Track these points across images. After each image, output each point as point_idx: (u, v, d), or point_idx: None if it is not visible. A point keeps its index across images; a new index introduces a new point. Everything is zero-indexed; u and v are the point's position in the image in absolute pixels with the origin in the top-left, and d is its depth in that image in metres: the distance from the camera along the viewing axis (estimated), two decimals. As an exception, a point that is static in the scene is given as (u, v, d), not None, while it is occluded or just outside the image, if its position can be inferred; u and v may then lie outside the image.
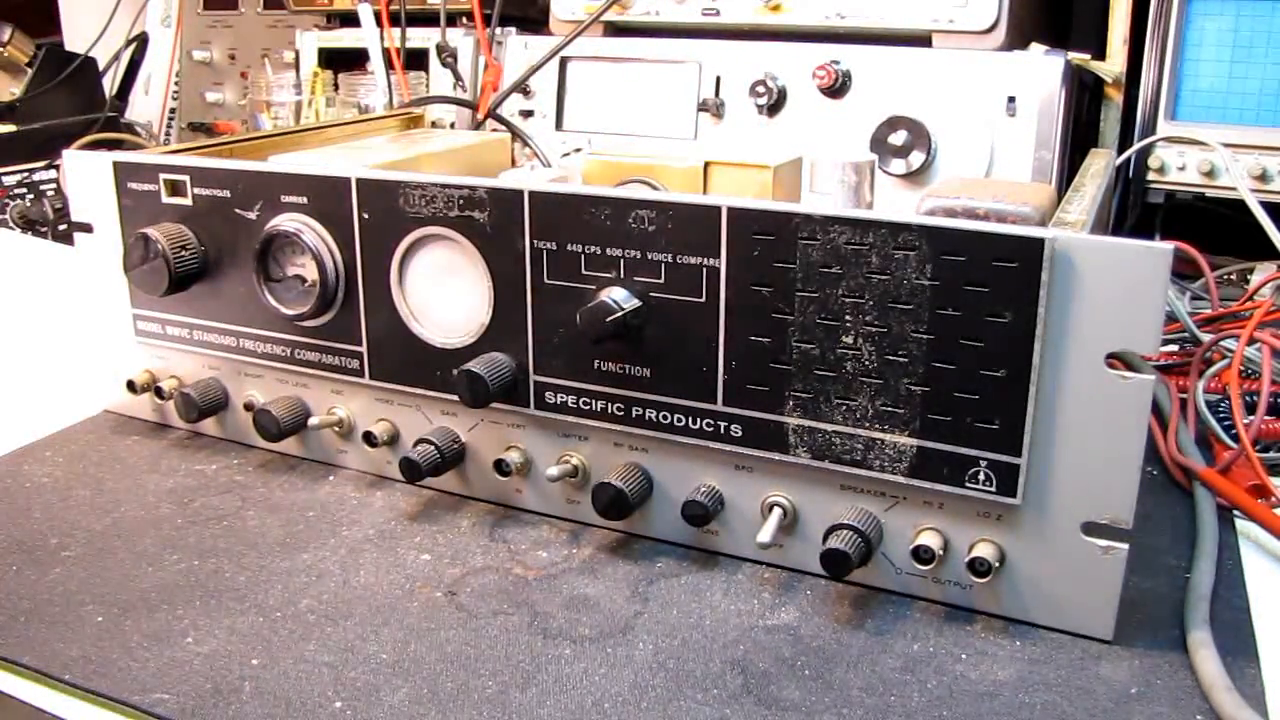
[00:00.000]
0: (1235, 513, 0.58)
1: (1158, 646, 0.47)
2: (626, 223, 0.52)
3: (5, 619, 0.49)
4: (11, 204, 1.10)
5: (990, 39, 0.85)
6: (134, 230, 0.65)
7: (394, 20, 1.09)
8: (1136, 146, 0.91)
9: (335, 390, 0.64)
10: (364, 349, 0.62)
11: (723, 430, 0.53)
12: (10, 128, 1.15)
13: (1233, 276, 0.94)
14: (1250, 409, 0.63)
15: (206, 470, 0.65)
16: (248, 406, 0.67)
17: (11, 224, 1.10)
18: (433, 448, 0.59)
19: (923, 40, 0.87)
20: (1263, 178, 0.87)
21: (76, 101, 1.32)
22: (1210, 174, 0.89)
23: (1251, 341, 0.66)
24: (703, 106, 0.93)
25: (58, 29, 1.49)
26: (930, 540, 0.49)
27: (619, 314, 0.52)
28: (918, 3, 0.87)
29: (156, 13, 1.45)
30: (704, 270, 0.51)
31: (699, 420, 0.53)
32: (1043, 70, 0.82)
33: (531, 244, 0.55)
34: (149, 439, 0.69)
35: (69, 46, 1.43)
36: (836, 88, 0.88)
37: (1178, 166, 0.90)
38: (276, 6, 1.34)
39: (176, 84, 1.43)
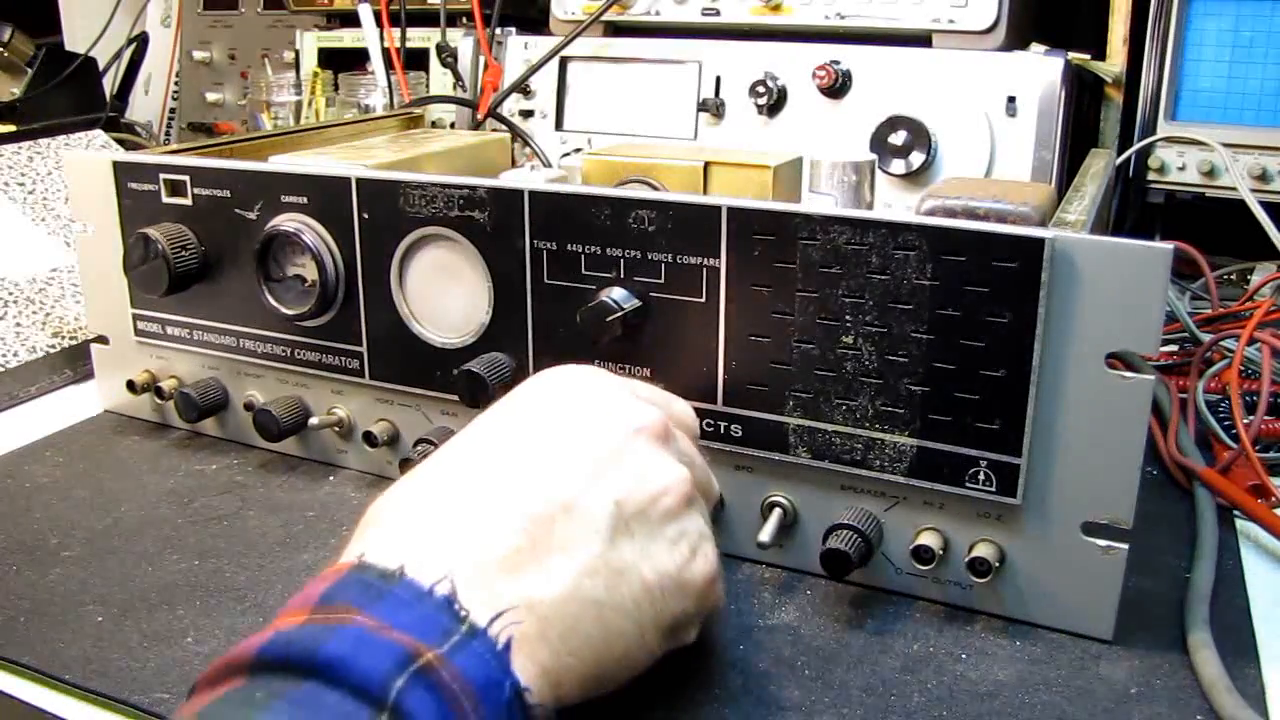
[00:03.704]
0: (1235, 513, 0.58)
1: (1158, 646, 0.47)
2: (626, 223, 0.52)
3: (5, 619, 0.49)
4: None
5: (990, 39, 0.85)
6: (134, 230, 0.65)
7: (394, 20, 1.09)
8: (1136, 146, 0.91)
9: (335, 390, 0.64)
10: (364, 349, 0.62)
11: (723, 430, 0.53)
12: (10, 128, 1.15)
13: (1233, 276, 0.94)
14: (1250, 409, 0.63)
15: (206, 470, 0.65)
16: (248, 406, 0.67)
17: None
18: (433, 448, 0.59)
19: (923, 40, 0.87)
20: (1263, 178, 0.87)
21: (76, 101, 1.32)
22: (1210, 174, 0.89)
23: (1251, 341, 0.66)
24: (703, 106, 0.93)
25: (58, 29, 1.49)
26: (930, 540, 0.49)
27: (619, 314, 0.52)
28: (918, 3, 0.87)
29: (156, 13, 1.45)
30: (704, 270, 0.51)
31: (699, 420, 0.53)
32: (1043, 70, 0.82)
33: (531, 244, 0.55)
34: (149, 439, 0.69)
35: (69, 46, 1.43)
36: (836, 88, 0.88)
37: (1178, 166, 0.90)
38: (276, 6, 1.34)
39: (176, 84, 1.43)
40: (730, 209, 0.50)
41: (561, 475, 0.39)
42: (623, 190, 0.60)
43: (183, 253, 0.64)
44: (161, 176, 0.65)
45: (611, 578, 0.38)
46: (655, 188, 0.67)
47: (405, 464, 0.59)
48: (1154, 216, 0.95)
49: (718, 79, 0.94)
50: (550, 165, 0.97)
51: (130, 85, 1.45)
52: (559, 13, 1.01)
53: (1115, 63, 0.89)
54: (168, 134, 1.44)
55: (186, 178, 0.64)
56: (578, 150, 0.99)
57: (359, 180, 0.59)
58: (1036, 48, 0.84)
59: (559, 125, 1.01)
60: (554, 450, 0.40)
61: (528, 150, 0.99)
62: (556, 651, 0.36)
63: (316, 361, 0.63)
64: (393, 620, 0.33)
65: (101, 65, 1.39)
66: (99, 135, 1.04)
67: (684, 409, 0.50)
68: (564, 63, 1.00)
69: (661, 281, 0.52)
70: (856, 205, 0.64)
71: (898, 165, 0.85)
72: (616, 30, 1.00)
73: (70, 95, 1.32)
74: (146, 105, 1.45)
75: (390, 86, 1.09)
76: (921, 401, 0.48)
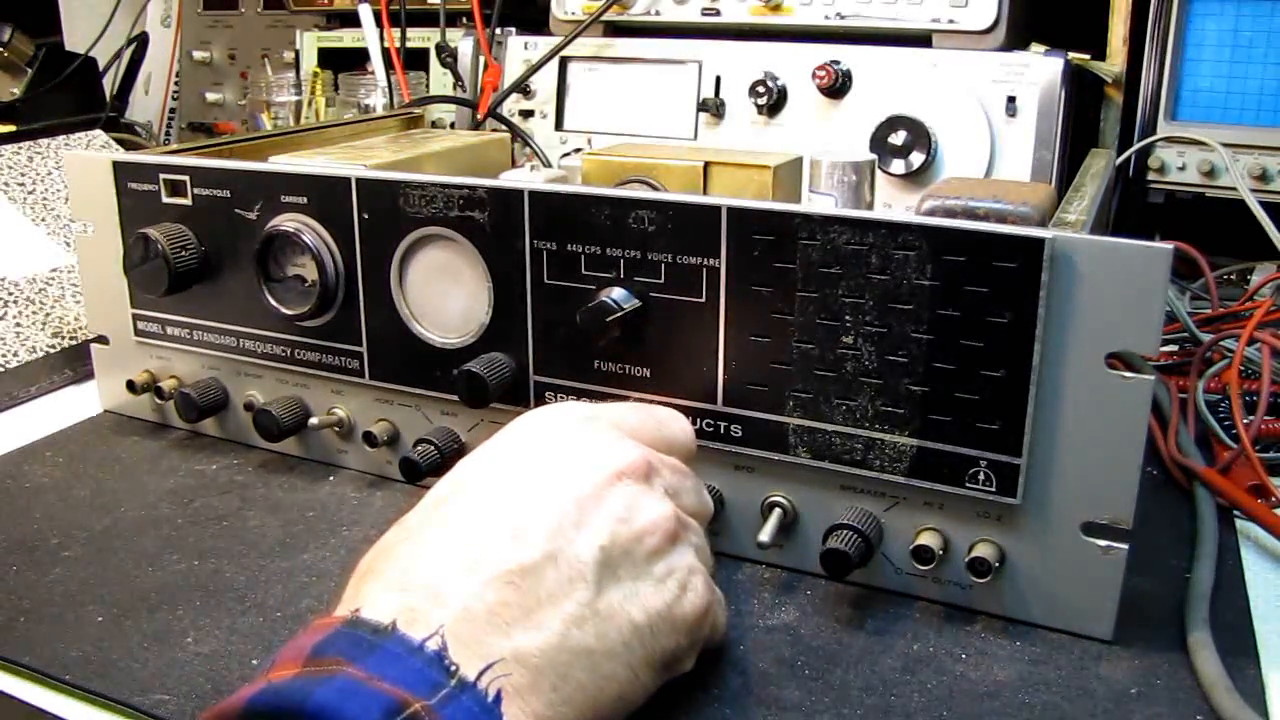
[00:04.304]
0: (1235, 513, 0.58)
1: (1158, 646, 0.47)
2: (626, 223, 0.52)
3: (5, 619, 0.49)
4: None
5: (990, 39, 0.85)
6: (134, 230, 0.65)
7: (394, 20, 1.09)
8: (1136, 146, 0.91)
9: (335, 390, 0.64)
10: (364, 349, 0.62)
11: (723, 430, 0.53)
12: (10, 128, 1.15)
13: (1233, 276, 0.94)
14: (1250, 409, 0.63)
15: (206, 470, 0.65)
16: (248, 406, 0.67)
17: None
18: (433, 448, 0.59)
19: (923, 40, 0.87)
20: (1263, 178, 0.86)
21: (76, 101, 1.32)
22: (1210, 174, 0.89)
23: (1251, 341, 0.66)
24: (703, 106, 0.93)
25: (58, 29, 1.48)
26: (930, 540, 0.49)
27: (619, 314, 0.52)
28: (918, 3, 0.87)
29: (156, 13, 1.45)
30: (704, 270, 0.51)
31: (699, 420, 0.53)
32: (1043, 70, 0.82)
33: (531, 244, 0.55)
34: (149, 439, 0.69)
35: (69, 46, 1.43)
36: (836, 88, 0.88)
37: (1178, 166, 0.90)
38: (276, 6, 1.34)
39: (176, 84, 1.43)
40: (730, 209, 0.50)
41: (546, 526, 0.39)
42: (623, 190, 0.60)
43: (183, 253, 0.64)
44: (161, 176, 0.65)
45: (600, 624, 0.38)
46: (655, 188, 0.67)
47: (405, 464, 0.59)
48: (1154, 216, 0.95)
49: (718, 79, 0.94)
50: (550, 165, 0.97)
51: (130, 85, 1.45)
52: (559, 13, 1.01)
53: (1115, 63, 0.89)
54: (168, 134, 1.44)
55: (186, 178, 0.64)
56: (578, 150, 0.99)
57: (359, 180, 0.59)
58: (1036, 48, 0.84)
59: (559, 125, 1.01)
60: (538, 500, 0.40)
61: (528, 150, 0.99)
62: (550, 701, 0.36)
63: (316, 361, 0.63)
64: (382, 673, 0.33)
65: (101, 65, 1.39)
66: (99, 135, 1.04)
67: (678, 428, 0.50)
68: (564, 63, 1.00)
69: (661, 281, 0.52)
70: (856, 205, 0.64)
71: (898, 165, 0.85)
72: (616, 30, 1.00)
73: (70, 95, 1.32)
74: (146, 105, 1.45)
75: (390, 86, 1.09)
76: (921, 401, 0.48)
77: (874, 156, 0.66)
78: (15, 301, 0.82)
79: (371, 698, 0.32)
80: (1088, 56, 0.85)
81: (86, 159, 0.68)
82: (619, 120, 0.98)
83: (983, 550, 0.48)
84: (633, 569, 0.40)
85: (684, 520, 0.44)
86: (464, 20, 1.06)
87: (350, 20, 1.20)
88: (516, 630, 0.36)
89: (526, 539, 0.39)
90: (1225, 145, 0.86)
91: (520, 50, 1.02)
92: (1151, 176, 0.92)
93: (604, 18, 0.97)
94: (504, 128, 0.97)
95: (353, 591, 0.38)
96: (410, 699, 0.32)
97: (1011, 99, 0.83)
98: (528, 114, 1.02)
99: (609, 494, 0.41)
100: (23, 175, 0.94)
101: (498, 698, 0.34)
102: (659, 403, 0.53)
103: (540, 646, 0.36)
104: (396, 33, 1.09)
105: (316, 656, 0.34)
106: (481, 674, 0.34)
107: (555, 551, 0.38)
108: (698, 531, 0.45)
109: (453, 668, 0.34)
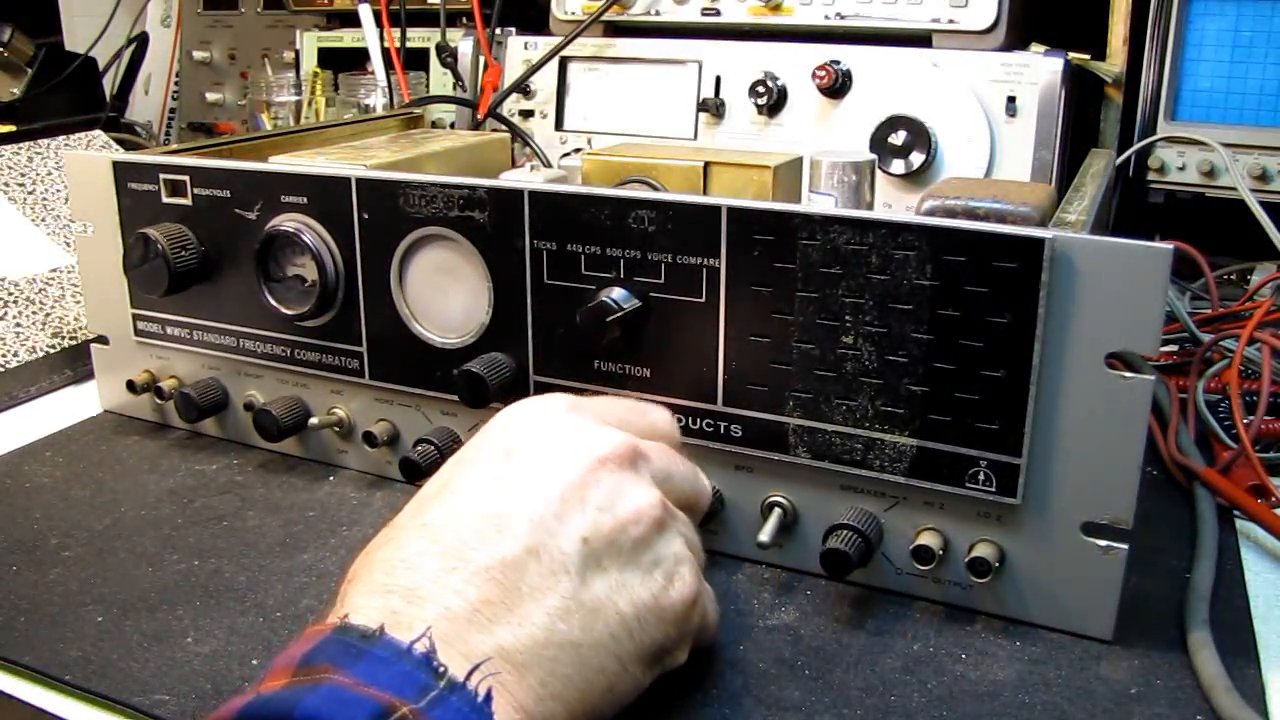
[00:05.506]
0: (1235, 513, 0.58)
1: (1158, 646, 0.47)
2: (626, 223, 0.52)
3: (5, 619, 0.49)
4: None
5: (990, 39, 0.85)
6: (134, 230, 0.65)
7: (394, 20, 1.09)
8: (1136, 146, 0.91)
9: (335, 390, 0.64)
10: (364, 349, 0.62)
11: (723, 430, 0.53)
12: (10, 128, 1.15)
13: (1233, 276, 0.94)
14: (1250, 409, 0.63)
15: (206, 470, 0.65)
16: (248, 406, 0.67)
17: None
18: (433, 448, 0.59)
19: (923, 40, 0.87)
20: (1263, 178, 0.86)
21: (76, 101, 1.32)
22: (1210, 174, 0.89)
23: (1251, 341, 0.66)
24: (703, 106, 0.93)
25: (58, 29, 1.48)
26: (930, 540, 0.49)
27: (619, 314, 0.52)
28: (918, 3, 0.87)
29: (156, 13, 1.45)
30: (704, 270, 0.51)
31: (699, 420, 0.53)
32: (1043, 70, 0.82)
33: (531, 244, 0.55)
34: (149, 439, 0.69)
35: (69, 46, 1.43)
36: (836, 88, 0.88)
37: (1178, 166, 0.90)
38: (276, 6, 1.34)
39: (176, 84, 1.43)
40: (730, 209, 0.50)
41: (527, 518, 0.39)
42: (623, 190, 0.60)
43: (183, 253, 0.64)
44: (161, 176, 0.65)
45: (586, 617, 0.38)
46: (655, 188, 0.67)
47: (405, 464, 0.59)
48: (1154, 216, 0.95)
49: (718, 79, 0.94)
50: (550, 165, 0.97)
51: (130, 85, 1.45)
52: (559, 13, 1.01)
53: (1115, 63, 0.89)
54: (168, 134, 1.44)
55: (186, 178, 0.64)
56: (578, 150, 0.99)
57: (359, 180, 0.59)
58: (1036, 48, 0.84)
59: (559, 125, 1.01)
60: (518, 493, 0.40)
61: (528, 150, 0.99)
62: (539, 696, 0.36)
63: (316, 361, 0.63)
64: (370, 678, 0.33)
65: (101, 65, 1.39)
66: (99, 135, 1.04)
67: (659, 417, 0.49)
68: (564, 63, 1.00)
69: (661, 281, 0.52)
70: (856, 205, 0.64)
71: (898, 165, 0.85)
72: (616, 30, 1.00)
73: (70, 95, 1.32)
74: (146, 105, 1.45)
75: (390, 86, 1.09)
76: (921, 401, 0.48)
77: (874, 156, 0.66)
78: (15, 301, 0.82)
79: (358, 704, 0.32)
80: (1088, 56, 0.85)
81: (86, 159, 0.68)
82: (619, 120, 0.98)
83: (983, 550, 0.48)
84: (618, 559, 0.40)
85: (671, 509, 0.43)
86: (464, 20, 1.06)
87: (350, 20, 1.20)
88: (499, 626, 0.36)
89: (507, 533, 0.38)
90: (1225, 145, 0.86)
91: (520, 50, 1.02)
92: (1151, 176, 0.92)
93: (604, 18, 0.97)
94: (504, 128, 0.97)
95: (340, 599, 0.38)
96: (398, 703, 0.32)
97: (1011, 99, 0.83)
98: (528, 114, 1.02)
99: (592, 482, 0.41)
100: (23, 175, 0.94)
101: (488, 697, 0.34)
102: (658, 403, 0.53)
103: (525, 642, 0.36)
104: (396, 33, 1.09)
105: (306, 665, 0.34)
106: (471, 673, 0.34)
107: (537, 545, 0.38)
108: (685, 522, 0.44)
109: (441, 669, 0.34)
